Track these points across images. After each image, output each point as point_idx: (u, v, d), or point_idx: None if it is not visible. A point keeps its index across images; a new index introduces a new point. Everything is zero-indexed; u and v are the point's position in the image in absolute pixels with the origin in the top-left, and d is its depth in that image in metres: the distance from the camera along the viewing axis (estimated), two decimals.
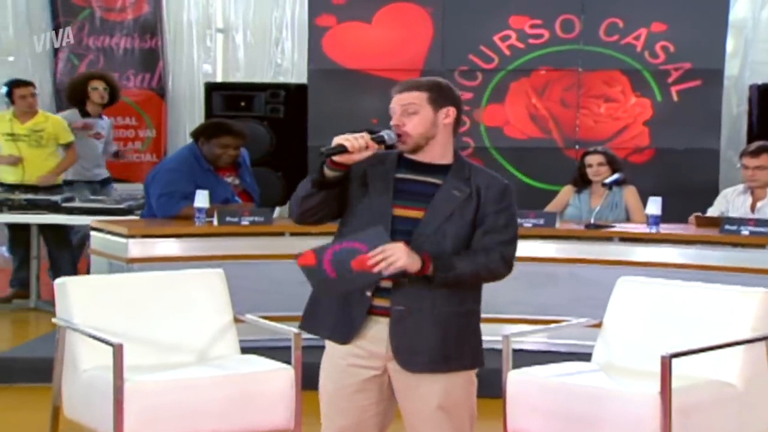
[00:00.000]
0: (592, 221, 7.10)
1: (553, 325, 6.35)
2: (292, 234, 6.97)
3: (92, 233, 7.18)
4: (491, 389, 4.88)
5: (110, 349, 4.83)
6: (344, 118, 7.98)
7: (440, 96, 3.87)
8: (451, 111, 3.88)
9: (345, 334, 3.84)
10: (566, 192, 7.93)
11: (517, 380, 5.15)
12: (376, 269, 3.62)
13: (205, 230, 6.95)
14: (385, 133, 3.77)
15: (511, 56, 9.51)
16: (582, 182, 7.80)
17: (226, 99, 9.93)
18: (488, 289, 6.67)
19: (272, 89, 9.97)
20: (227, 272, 5.45)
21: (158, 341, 5.36)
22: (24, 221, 8.60)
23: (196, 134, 7.51)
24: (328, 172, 3.71)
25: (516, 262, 6.37)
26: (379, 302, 3.80)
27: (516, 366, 5.33)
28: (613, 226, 7.13)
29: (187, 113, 11.15)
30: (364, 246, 3.62)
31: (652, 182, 8.72)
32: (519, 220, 6.76)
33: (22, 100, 9.08)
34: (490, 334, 5.55)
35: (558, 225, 7.08)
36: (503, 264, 3.93)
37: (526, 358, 6.33)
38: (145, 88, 11.25)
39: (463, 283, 3.84)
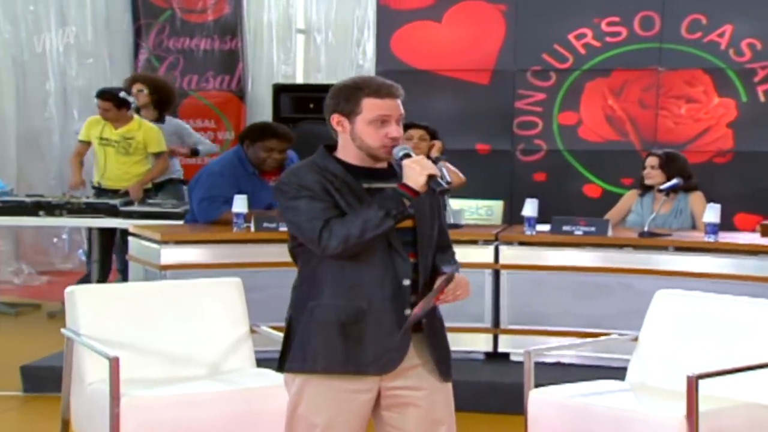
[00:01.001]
0: (645, 229, 6.75)
1: (579, 341, 6.19)
2: None
3: (130, 239, 7.07)
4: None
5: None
6: (414, 120, 7.72)
7: None
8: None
9: (390, 362, 3.56)
10: (629, 197, 7.58)
11: (538, 399, 4.99)
12: (445, 302, 3.55)
13: (241, 236, 6.78)
14: (409, 150, 3.59)
15: (587, 55, 9.19)
16: (644, 186, 7.43)
17: (295, 101, 9.82)
18: (534, 300, 6.49)
19: None
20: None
21: (168, 354, 5.26)
22: (80, 224, 8.57)
23: (242, 137, 7.40)
24: (407, 203, 3.49)
25: (564, 272, 5.95)
26: None
27: (553, 382, 5.17)
28: (669, 235, 6.76)
29: (267, 116, 11.02)
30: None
31: (734, 187, 8.37)
32: (569, 228, 6.59)
33: (102, 112, 9.05)
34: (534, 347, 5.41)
35: (610, 233, 6.74)
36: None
37: (566, 373, 6.25)
38: (225, 89, 11.22)
39: None
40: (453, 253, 3.80)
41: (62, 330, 5.15)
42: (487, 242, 6.86)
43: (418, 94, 9.27)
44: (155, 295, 5.42)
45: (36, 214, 8.54)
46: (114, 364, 4.64)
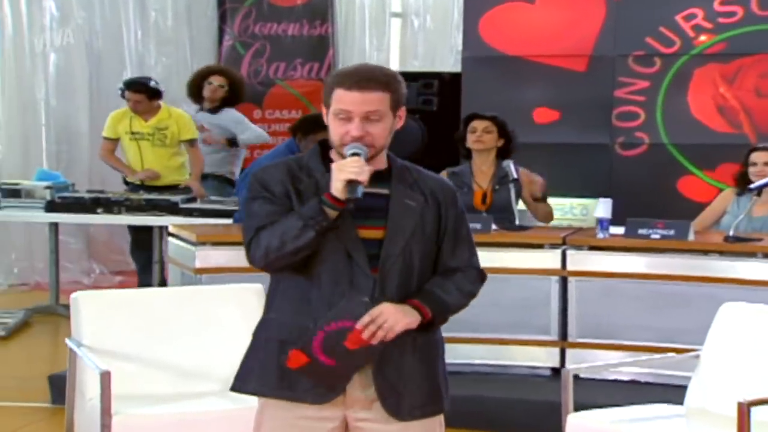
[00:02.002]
0: (730, 233, 6.38)
1: (631, 359, 5.96)
2: None
3: (169, 239, 6.97)
4: None
5: (120, 375, 4.67)
6: (501, 111, 7.51)
7: (397, 97, 3.38)
8: (402, 112, 3.42)
9: (331, 390, 3.34)
10: (725, 196, 7.19)
11: (575, 425, 4.85)
12: (375, 340, 3.25)
13: None
14: (360, 150, 3.29)
15: (696, 38, 8.85)
16: (743, 185, 7.02)
17: None
18: (604, 311, 6.22)
19: (425, 79, 9.61)
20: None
21: (177, 367, 5.17)
22: (140, 223, 8.53)
23: (294, 129, 7.28)
24: (332, 213, 3.26)
25: (639, 280, 6.06)
26: None
27: (606, 403, 5.07)
28: (760, 240, 6.39)
29: None
30: (348, 322, 3.25)
31: None
32: (645, 231, 6.28)
33: (133, 104, 8.93)
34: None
35: (691, 237, 6.41)
36: (480, 282, 3.55)
37: (630, 392, 6.10)
38: (313, 78, 11.10)
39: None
40: (461, 278, 3.48)
41: (66, 340, 5.08)
42: (553, 246, 6.60)
43: (507, 82, 9.11)
44: (167, 302, 5.32)
45: (94, 212, 8.54)
46: (105, 378, 4.56)
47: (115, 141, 9.11)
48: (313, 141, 6.92)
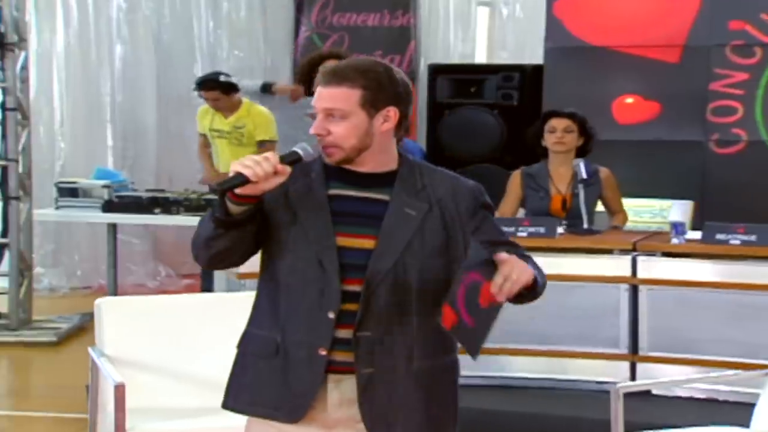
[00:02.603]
0: None
1: (706, 374, 5.70)
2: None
3: None
4: None
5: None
6: (585, 106, 7.27)
7: (378, 95, 3.21)
8: (392, 112, 3.24)
9: (295, 409, 3.22)
10: None
11: None
12: (501, 297, 3.09)
13: None
14: (300, 148, 3.20)
15: None
16: None
17: (454, 83, 9.48)
18: (679, 322, 5.97)
19: (505, 71, 9.36)
20: None
21: (203, 379, 5.00)
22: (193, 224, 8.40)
23: None
24: (234, 208, 3.13)
25: (717, 289, 6.06)
26: (341, 357, 3.19)
27: (685, 423, 4.97)
28: None
29: (421, 100, 10.65)
30: (477, 274, 3.10)
31: None
32: (723, 236, 5.96)
33: (212, 103, 8.83)
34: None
35: None
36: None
37: (704, 409, 5.90)
38: None
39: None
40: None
41: (89, 349, 5.02)
42: (623, 252, 6.30)
43: (591, 74, 8.86)
44: (193, 310, 5.23)
45: (152, 212, 8.45)
46: (119, 391, 4.45)
47: (204, 136, 9.04)
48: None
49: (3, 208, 8.84)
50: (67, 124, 10.48)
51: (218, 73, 9.04)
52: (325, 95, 3.19)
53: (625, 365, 6.34)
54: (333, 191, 3.22)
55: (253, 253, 3.29)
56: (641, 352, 6.31)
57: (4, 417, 6.80)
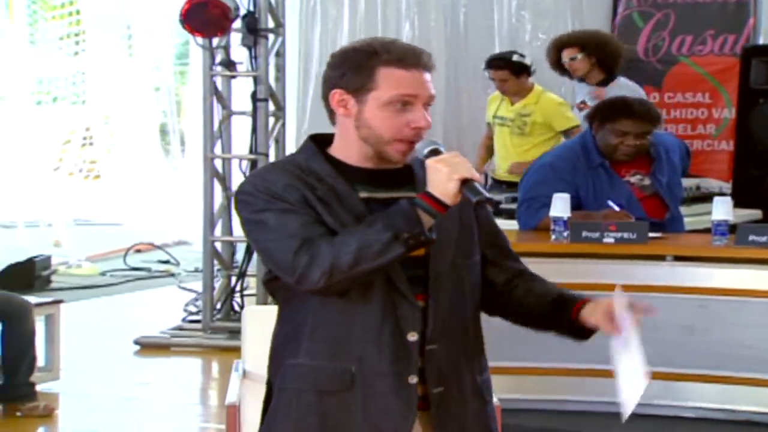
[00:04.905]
0: None
1: None
2: (677, 258, 5.91)
3: None
4: None
5: None
6: None
7: None
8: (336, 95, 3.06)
9: None
10: None
11: None
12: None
13: (551, 248, 5.90)
14: (440, 147, 3.01)
15: None
16: None
17: None
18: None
19: None
20: None
21: None
22: None
23: (590, 116, 6.38)
24: (428, 221, 2.91)
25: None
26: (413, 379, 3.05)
27: None
28: None
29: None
30: None
31: None
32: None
33: (499, 84, 8.40)
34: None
35: None
36: None
37: None
38: (726, 54, 9.84)
39: None
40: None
41: (235, 361, 4.49)
42: None
43: None
44: None
45: None
46: (230, 412, 3.98)
47: (489, 126, 8.71)
48: (611, 131, 6.18)
49: None
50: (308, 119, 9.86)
51: (512, 52, 8.53)
52: (428, 82, 3.03)
53: None
54: (364, 194, 3.04)
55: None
56: None
57: None
